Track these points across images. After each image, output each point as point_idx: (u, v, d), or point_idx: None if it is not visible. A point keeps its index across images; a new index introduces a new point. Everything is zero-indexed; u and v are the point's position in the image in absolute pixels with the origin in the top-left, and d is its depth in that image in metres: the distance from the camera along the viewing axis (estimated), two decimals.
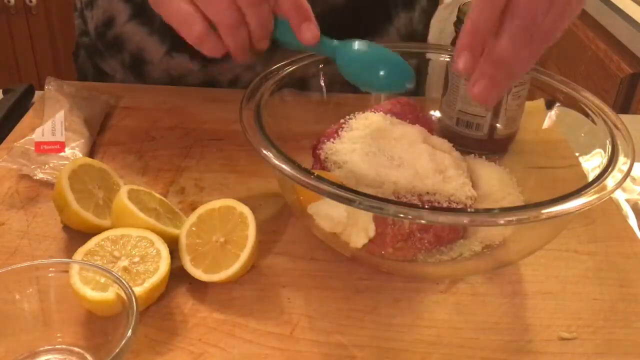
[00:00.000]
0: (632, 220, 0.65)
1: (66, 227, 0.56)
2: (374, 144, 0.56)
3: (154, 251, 0.49)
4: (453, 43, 0.68)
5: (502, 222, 0.45)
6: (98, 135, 0.70)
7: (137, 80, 0.83)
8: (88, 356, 0.45)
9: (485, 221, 0.46)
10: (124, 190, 0.52)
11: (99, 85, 0.82)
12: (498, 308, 0.52)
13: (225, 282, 0.51)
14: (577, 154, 0.60)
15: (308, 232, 0.57)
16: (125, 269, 0.48)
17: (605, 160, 0.51)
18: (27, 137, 0.65)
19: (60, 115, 0.66)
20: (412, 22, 0.85)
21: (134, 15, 0.78)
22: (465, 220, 0.46)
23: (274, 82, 0.59)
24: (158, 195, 0.56)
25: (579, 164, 0.58)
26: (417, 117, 0.63)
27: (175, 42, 0.78)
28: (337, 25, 0.77)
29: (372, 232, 0.50)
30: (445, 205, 0.53)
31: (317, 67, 0.64)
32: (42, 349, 0.45)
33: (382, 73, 0.54)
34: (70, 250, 0.49)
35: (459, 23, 0.66)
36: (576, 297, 0.53)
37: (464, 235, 0.56)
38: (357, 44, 0.54)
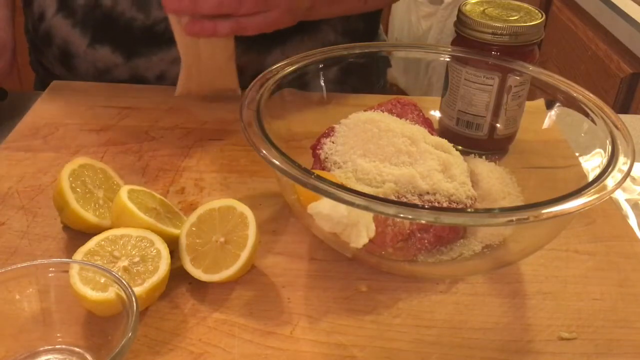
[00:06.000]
0: (632, 220, 0.65)
1: (66, 227, 0.56)
2: (373, 143, 0.56)
3: (154, 251, 0.49)
4: (453, 43, 0.68)
5: (502, 222, 0.45)
6: (98, 135, 0.70)
7: (68, 74, 0.84)
8: (88, 356, 0.45)
9: (485, 221, 0.46)
10: (124, 190, 0.52)
11: (99, 85, 0.82)
12: (498, 308, 0.52)
13: (225, 282, 0.51)
14: (577, 154, 0.61)
15: (308, 232, 0.57)
16: (125, 269, 0.48)
17: (605, 160, 0.51)
18: None
19: None
20: (349, 20, 0.84)
21: (59, 8, 0.80)
22: (465, 220, 0.47)
23: (274, 82, 0.59)
24: (158, 195, 0.56)
25: (579, 164, 0.58)
26: (417, 117, 0.63)
27: (97, 33, 0.79)
28: None
29: (372, 232, 0.50)
30: (445, 205, 0.53)
31: (317, 67, 0.64)
32: (42, 349, 0.45)
33: None
34: (70, 250, 0.49)
35: (459, 23, 0.66)
36: (576, 297, 0.53)
37: (464, 235, 0.56)
38: None
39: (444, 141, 0.59)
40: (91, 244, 0.49)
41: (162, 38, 0.78)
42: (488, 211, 0.47)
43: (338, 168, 0.56)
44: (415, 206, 0.50)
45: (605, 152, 0.53)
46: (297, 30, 0.79)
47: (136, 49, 0.79)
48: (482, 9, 0.66)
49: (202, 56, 0.71)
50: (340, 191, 0.44)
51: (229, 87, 0.75)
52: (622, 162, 0.50)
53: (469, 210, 0.53)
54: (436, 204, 0.53)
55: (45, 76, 0.88)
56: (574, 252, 0.58)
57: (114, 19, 0.77)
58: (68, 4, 0.79)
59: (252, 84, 0.57)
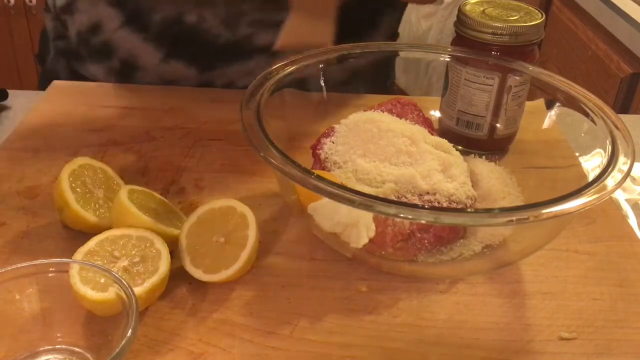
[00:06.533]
0: (632, 220, 0.65)
1: (66, 227, 0.56)
2: (373, 143, 0.56)
3: (154, 251, 0.49)
4: (453, 43, 0.68)
5: (502, 222, 0.45)
6: (98, 135, 0.70)
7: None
8: (88, 356, 0.45)
9: (485, 221, 0.46)
10: (124, 190, 0.52)
11: (100, 85, 0.82)
12: (498, 308, 0.52)
13: (225, 282, 0.51)
14: (577, 154, 0.61)
15: (308, 232, 0.57)
16: (125, 269, 0.48)
17: (605, 160, 0.51)
18: None
19: None
20: (391, 26, 0.85)
21: (127, 22, 0.77)
22: (465, 220, 0.47)
23: (274, 82, 0.59)
24: (158, 195, 0.56)
25: (579, 164, 0.58)
26: (417, 117, 0.63)
27: (173, 48, 0.78)
28: None
29: (372, 232, 0.50)
30: (445, 205, 0.53)
31: (317, 67, 0.64)
32: (42, 349, 0.45)
33: None
34: (70, 250, 0.49)
35: (459, 23, 0.66)
36: (576, 297, 0.53)
37: (464, 235, 0.56)
38: None
39: (444, 141, 0.59)
40: (91, 244, 0.49)
41: (243, 52, 0.77)
42: (488, 211, 0.47)
43: (338, 168, 0.56)
44: (415, 206, 0.50)
45: (605, 152, 0.53)
46: (354, 36, 0.80)
47: (213, 63, 0.78)
48: (482, 9, 0.66)
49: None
50: (340, 191, 0.44)
51: (325, 40, 0.75)
52: (622, 162, 0.50)
53: (469, 210, 0.53)
54: (436, 204, 0.53)
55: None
56: (574, 252, 0.58)
57: (197, 35, 0.76)
58: (140, 18, 0.77)
59: (252, 84, 0.57)
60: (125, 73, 0.81)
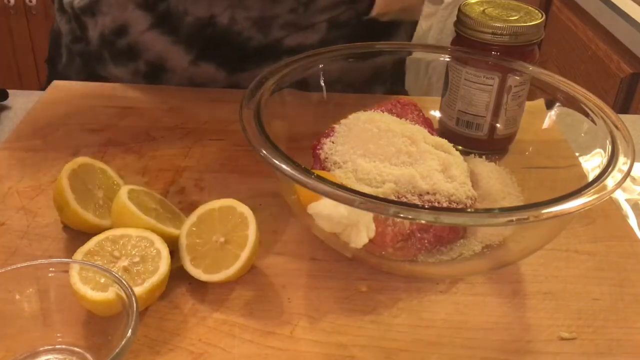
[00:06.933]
0: (632, 220, 0.65)
1: (66, 227, 0.56)
2: (373, 143, 0.56)
3: (154, 251, 0.49)
4: (453, 43, 0.68)
5: (502, 222, 0.45)
6: (98, 135, 0.70)
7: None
8: (88, 356, 0.45)
9: (485, 221, 0.46)
10: (124, 190, 0.52)
11: (100, 85, 0.82)
12: (498, 308, 0.52)
13: (225, 282, 0.51)
14: (577, 154, 0.61)
15: (308, 232, 0.57)
16: (125, 269, 0.48)
17: (605, 160, 0.51)
18: None
19: None
20: (406, 34, 0.85)
21: (156, 24, 0.76)
22: (465, 220, 0.47)
23: (274, 82, 0.59)
24: (158, 195, 0.56)
25: (579, 164, 0.58)
26: (417, 117, 0.63)
27: (203, 51, 0.77)
28: (354, 31, 0.76)
29: (372, 232, 0.50)
30: (445, 205, 0.53)
31: (317, 67, 0.64)
32: (42, 349, 0.45)
33: None
34: (70, 250, 0.49)
35: (459, 23, 0.66)
36: (576, 297, 0.53)
37: (464, 235, 0.56)
38: None
39: (444, 141, 0.59)
40: (91, 244, 0.49)
41: (273, 54, 0.77)
42: (488, 211, 0.47)
43: (338, 168, 0.56)
44: (415, 206, 0.50)
45: (605, 152, 0.53)
46: (383, 35, 0.80)
47: (243, 65, 0.78)
48: (482, 9, 0.66)
49: None
50: (340, 191, 0.44)
51: (414, 3, 0.75)
52: (622, 162, 0.50)
53: (469, 210, 0.53)
54: (436, 204, 0.53)
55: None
56: (574, 252, 0.58)
57: (228, 37, 0.76)
58: (170, 21, 0.76)
59: (252, 84, 0.57)
60: (153, 75, 0.80)
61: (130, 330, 0.41)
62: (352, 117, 0.60)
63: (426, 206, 0.51)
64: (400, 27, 0.84)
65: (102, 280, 0.44)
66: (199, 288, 0.52)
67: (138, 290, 0.46)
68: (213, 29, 0.75)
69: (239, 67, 0.78)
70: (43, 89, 0.87)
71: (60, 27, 0.85)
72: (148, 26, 0.77)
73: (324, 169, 0.57)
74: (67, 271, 0.45)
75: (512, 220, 0.44)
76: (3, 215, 0.58)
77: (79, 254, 0.48)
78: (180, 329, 0.48)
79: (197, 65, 0.78)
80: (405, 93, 0.90)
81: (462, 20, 0.66)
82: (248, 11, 0.74)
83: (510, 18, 0.64)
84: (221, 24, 0.75)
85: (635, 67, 1.38)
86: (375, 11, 0.74)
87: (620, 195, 0.69)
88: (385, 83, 0.87)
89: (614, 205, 0.64)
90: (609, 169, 0.49)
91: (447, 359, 0.47)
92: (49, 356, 0.45)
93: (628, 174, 0.49)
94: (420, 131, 0.59)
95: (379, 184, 0.53)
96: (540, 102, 0.66)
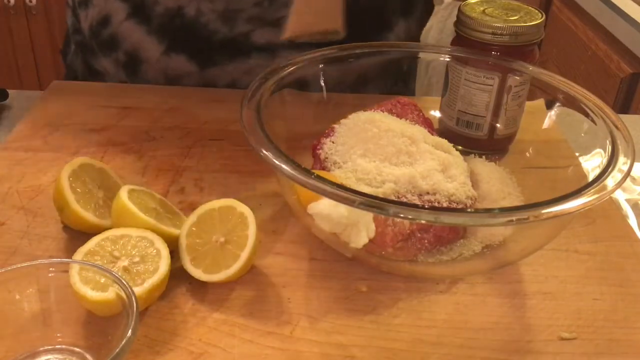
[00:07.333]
0: (632, 220, 0.65)
1: (66, 227, 0.56)
2: (373, 143, 0.56)
3: (154, 251, 0.49)
4: (453, 43, 0.68)
5: (502, 222, 0.45)
6: (98, 135, 0.70)
7: (129, 80, 0.83)
8: (88, 356, 0.45)
9: (485, 221, 0.46)
10: (124, 190, 0.52)
11: (100, 85, 0.82)
12: (498, 308, 0.52)
13: (225, 282, 0.51)
14: (577, 154, 0.61)
15: (308, 232, 0.57)
16: (125, 269, 0.48)
17: (605, 160, 0.51)
18: None
19: None
20: (410, 30, 0.85)
21: (132, 14, 0.78)
22: (465, 220, 0.47)
23: (274, 82, 0.59)
24: (158, 195, 0.56)
25: (579, 164, 0.58)
26: (417, 117, 0.63)
27: (174, 42, 0.78)
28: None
29: (372, 232, 0.50)
30: (445, 205, 0.53)
31: (317, 67, 0.64)
32: (42, 349, 0.45)
33: None
34: (70, 250, 0.49)
35: (459, 23, 0.66)
36: (576, 297, 0.53)
37: (464, 235, 0.56)
38: None
39: (444, 141, 0.59)
40: (91, 244, 0.49)
41: (241, 49, 0.77)
42: (488, 211, 0.47)
43: (338, 168, 0.56)
44: (415, 206, 0.50)
45: (605, 152, 0.53)
46: (369, 39, 0.80)
47: (213, 58, 0.79)
48: (482, 9, 0.66)
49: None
50: (340, 191, 0.44)
51: (333, 28, 0.75)
52: (622, 162, 0.50)
53: (469, 210, 0.53)
54: (436, 204, 0.53)
55: (87, 77, 0.87)
56: (574, 252, 0.58)
57: (196, 29, 0.77)
58: (144, 11, 0.77)
59: (252, 84, 0.57)
60: (131, 66, 0.81)
61: (130, 330, 0.41)
62: (352, 117, 0.60)
63: (426, 206, 0.51)
64: (399, 19, 0.83)
65: (102, 280, 0.44)
66: (199, 288, 0.52)
67: (138, 290, 0.46)
68: (182, 20, 0.77)
69: (210, 60, 0.79)
70: (66, 76, 0.90)
71: (67, 20, 0.88)
72: (126, 16, 0.78)
73: (324, 169, 0.57)
74: (67, 271, 0.45)
75: (512, 220, 0.44)
76: (3, 215, 0.58)
77: (79, 254, 0.48)
78: (180, 329, 0.48)
79: (169, 57, 0.79)
80: (412, 93, 0.89)
81: (462, 20, 0.66)
82: (213, 3, 0.75)
83: (510, 18, 0.64)
84: (189, 15, 0.76)
85: (635, 67, 1.38)
86: (287, 34, 0.74)
87: (620, 195, 0.69)
88: (387, 83, 0.86)
89: (614, 205, 0.64)
90: (609, 169, 0.49)
91: (447, 359, 0.47)
92: (49, 356, 0.45)
93: (628, 174, 0.49)
94: (420, 131, 0.59)
95: (378, 184, 0.53)
96: (540, 102, 0.66)
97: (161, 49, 0.79)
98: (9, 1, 2.01)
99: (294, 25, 0.74)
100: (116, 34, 0.79)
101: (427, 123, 0.64)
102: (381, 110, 0.62)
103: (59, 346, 0.45)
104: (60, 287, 0.45)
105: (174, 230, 0.53)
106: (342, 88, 0.68)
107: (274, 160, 0.48)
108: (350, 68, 0.68)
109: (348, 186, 0.48)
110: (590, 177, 0.49)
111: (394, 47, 0.72)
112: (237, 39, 0.77)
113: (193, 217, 0.52)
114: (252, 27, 0.76)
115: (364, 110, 0.62)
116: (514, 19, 0.64)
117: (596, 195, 0.46)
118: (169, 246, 0.50)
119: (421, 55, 0.71)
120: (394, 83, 0.89)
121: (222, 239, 0.51)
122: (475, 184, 0.58)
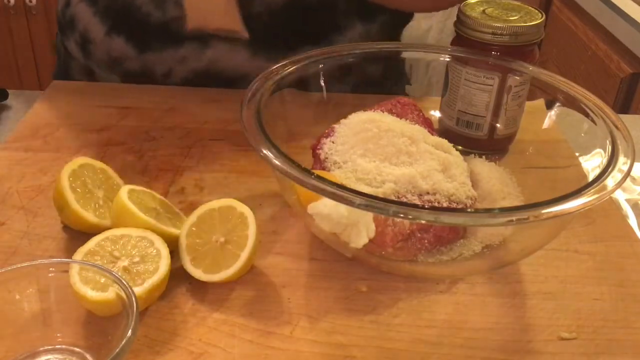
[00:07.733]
0: (632, 220, 0.65)
1: (66, 227, 0.56)
2: (373, 143, 0.56)
3: (154, 251, 0.49)
4: (453, 43, 0.68)
5: (502, 222, 0.45)
6: (98, 135, 0.70)
7: (85, 60, 0.85)
8: (88, 356, 0.45)
9: (485, 221, 0.46)
10: (124, 190, 0.52)
11: (99, 85, 0.82)
12: (498, 308, 0.52)
13: (225, 282, 0.51)
14: (577, 154, 0.61)
15: (308, 232, 0.57)
16: (125, 269, 0.48)
17: (605, 160, 0.51)
18: None
19: None
20: (369, 34, 0.83)
21: None
22: (465, 220, 0.46)
23: (274, 82, 0.59)
24: (158, 195, 0.56)
25: (579, 164, 0.58)
26: (417, 117, 0.63)
27: (114, 23, 0.80)
28: (278, 28, 0.78)
29: (372, 232, 0.50)
30: (445, 205, 0.53)
31: (317, 67, 0.64)
32: (42, 349, 0.45)
33: None
34: (70, 250, 0.49)
35: (458, 23, 0.66)
36: (576, 297, 0.53)
37: (464, 235, 0.56)
38: None
39: (444, 141, 0.59)
40: (91, 244, 0.49)
41: (174, 36, 0.78)
42: (488, 211, 0.47)
43: (338, 168, 0.56)
44: (415, 206, 0.50)
45: (605, 152, 0.53)
46: (319, 39, 0.79)
47: (149, 42, 0.80)
48: (482, 9, 0.66)
49: None
50: (340, 191, 0.44)
51: (231, 28, 0.75)
52: (622, 162, 0.50)
53: (469, 210, 0.53)
54: (436, 204, 0.53)
55: (66, 59, 0.90)
56: (574, 252, 0.58)
57: (132, 11, 0.79)
58: None
59: (252, 84, 0.57)
60: (83, 46, 0.84)
61: (130, 330, 0.41)
62: (352, 117, 0.60)
63: (426, 206, 0.51)
64: (356, 23, 0.82)
65: (102, 280, 0.44)
66: (199, 288, 0.52)
67: (138, 290, 0.46)
68: (123, 1, 0.79)
69: (146, 45, 0.80)
70: (55, 70, 0.92)
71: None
72: None
73: (324, 169, 0.57)
74: (67, 271, 0.45)
75: (512, 220, 0.44)
76: (3, 215, 0.58)
77: (79, 254, 0.48)
78: (180, 329, 0.48)
79: (111, 38, 0.81)
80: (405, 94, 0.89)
81: (462, 20, 0.65)
82: None
83: (510, 18, 0.64)
84: None
85: (635, 67, 1.38)
86: (189, 25, 0.75)
87: (620, 195, 0.69)
88: (383, 84, 0.86)
89: (614, 205, 0.64)
90: (609, 169, 0.49)
91: (447, 359, 0.47)
92: (49, 356, 0.45)
93: (628, 174, 0.49)
94: (420, 131, 0.59)
95: (378, 184, 0.53)
96: (540, 102, 0.66)
97: (104, 30, 0.81)
98: (9, 1, 2.01)
99: (191, 19, 0.75)
100: (74, 14, 0.83)
101: (427, 123, 0.64)
102: (381, 110, 0.62)
103: (59, 346, 0.45)
104: (60, 287, 0.45)
105: (174, 230, 0.53)
106: (342, 88, 0.68)
107: (274, 160, 0.48)
108: (350, 68, 0.68)
109: (348, 186, 0.48)
110: (590, 177, 0.49)
111: (395, 47, 0.72)
112: (171, 25, 0.78)
113: (193, 217, 0.52)
114: (181, 12, 0.77)
115: (364, 110, 0.62)
116: (514, 19, 0.64)
117: (596, 195, 0.46)
118: (169, 246, 0.50)
119: (421, 55, 0.71)
120: (394, 83, 0.88)
121: (222, 239, 0.51)
122: (475, 184, 0.58)
